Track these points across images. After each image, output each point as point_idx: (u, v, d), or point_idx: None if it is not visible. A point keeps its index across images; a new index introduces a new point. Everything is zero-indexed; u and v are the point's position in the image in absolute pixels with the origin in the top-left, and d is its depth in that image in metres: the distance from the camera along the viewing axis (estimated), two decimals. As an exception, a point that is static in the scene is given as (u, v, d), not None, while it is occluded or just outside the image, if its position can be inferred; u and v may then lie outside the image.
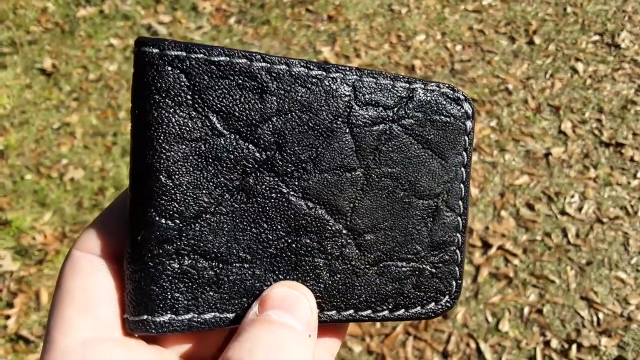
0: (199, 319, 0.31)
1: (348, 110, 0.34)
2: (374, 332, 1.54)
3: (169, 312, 0.31)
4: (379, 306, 0.35)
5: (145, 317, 0.30)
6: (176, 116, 0.30)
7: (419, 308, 0.36)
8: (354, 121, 0.34)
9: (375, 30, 2.41)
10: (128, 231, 0.31)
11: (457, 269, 0.38)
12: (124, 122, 2.03)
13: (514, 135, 2.01)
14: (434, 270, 0.37)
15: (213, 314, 0.31)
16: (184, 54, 0.30)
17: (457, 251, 0.38)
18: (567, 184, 1.87)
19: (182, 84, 0.30)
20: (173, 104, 0.30)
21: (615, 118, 2.06)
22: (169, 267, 0.31)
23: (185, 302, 0.31)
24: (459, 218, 0.38)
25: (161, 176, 0.30)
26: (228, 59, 0.31)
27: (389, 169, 0.35)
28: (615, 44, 2.32)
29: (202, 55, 0.31)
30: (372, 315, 0.35)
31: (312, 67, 0.33)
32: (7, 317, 1.55)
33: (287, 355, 0.29)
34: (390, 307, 0.36)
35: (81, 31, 2.35)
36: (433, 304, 0.37)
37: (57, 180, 1.87)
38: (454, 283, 0.37)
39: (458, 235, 0.38)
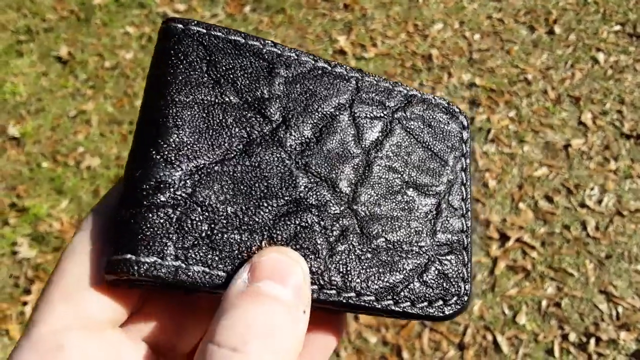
0: (186, 270, 0.29)
1: (350, 102, 0.36)
2: (390, 323, 1.53)
3: (155, 255, 0.29)
4: (383, 295, 0.34)
5: (128, 256, 0.28)
6: (190, 77, 0.33)
7: (426, 304, 0.35)
8: (356, 112, 0.36)
9: (392, 19, 2.39)
10: (125, 172, 0.31)
11: (465, 270, 0.36)
12: (140, 110, 2.03)
13: (533, 126, 1.98)
14: (440, 268, 0.36)
15: (202, 268, 0.30)
16: (205, 30, 0.34)
17: (464, 252, 0.37)
18: (587, 176, 1.84)
19: (199, 52, 0.33)
20: (189, 67, 0.33)
21: (637, 109, 2.02)
22: (162, 211, 0.30)
23: (174, 249, 0.29)
24: (462, 219, 0.38)
25: (168, 122, 0.31)
26: (243, 40, 0.35)
27: (390, 162, 0.36)
28: (637, 34, 2.28)
29: (220, 33, 0.34)
30: (375, 302, 0.33)
31: (318, 59, 0.36)
32: (25, 303, 1.56)
33: (281, 337, 0.27)
34: (395, 298, 0.34)
35: (97, 19, 2.35)
36: (441, 302, 0.35)
37: (74, 168, 1.87)
38: (462, 284, 0.36)
39: (463, 235, 0.37)
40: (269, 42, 0.35)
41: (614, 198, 1.79)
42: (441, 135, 0.39)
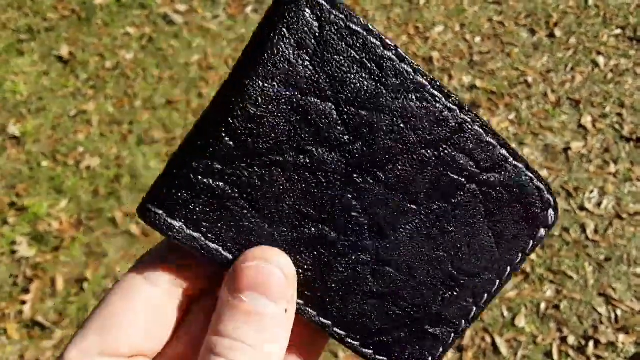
0: (202, 243, 0.31)
1: (443, 146, 0.32)
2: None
3: (182, 220, 0.31)
4: (356, 334, 0.34)
5: (160, 212, 0.31)
6: (291, 54, 0.29)
7: None
8: (442, 158, 0.32)
9: (393, 22, 2.39)
10: (191, 132, 0.31)
11: (440, 349, 0.36)
12: (140, 110, 2.03)
13: (533, 129, 1.98)
14: (421, 339, 0.35)
15: (216, 246, 0.31)
16: (328, 6, 0.29)
17: (452, 334, 0.36)
18: (587, 179, 1.84)
19: (313, 30, 0.29)
20: (294, 42, 0.29)
21: (637, 112, 2.02)
22: (204, 181, 0.30)
23: (200, 220, 0.31)
24: (474, 307, 0.36)
25: (247, 103, 0.29)
26: (365, 33, 0.30)
27: (444, 225, 0.33)
28: (637, 37, 2.28)
29: (342, 16, 0.30)
30: (344, 337, 0.34)
31: (433, 83, 0.31)
32: (23, 302, 1.56)
33: (266, 345, 0.30)
34: (368, 344, 0.35)
35: (98, 19, 2.35)
36: None
37: (74, 167, 1.87)
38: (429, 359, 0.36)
39: (463, 322, 0.36)
40: (391, 45, 0.30)
41: (614, 201, 1.79)
42: (514, 222, 0.34)
